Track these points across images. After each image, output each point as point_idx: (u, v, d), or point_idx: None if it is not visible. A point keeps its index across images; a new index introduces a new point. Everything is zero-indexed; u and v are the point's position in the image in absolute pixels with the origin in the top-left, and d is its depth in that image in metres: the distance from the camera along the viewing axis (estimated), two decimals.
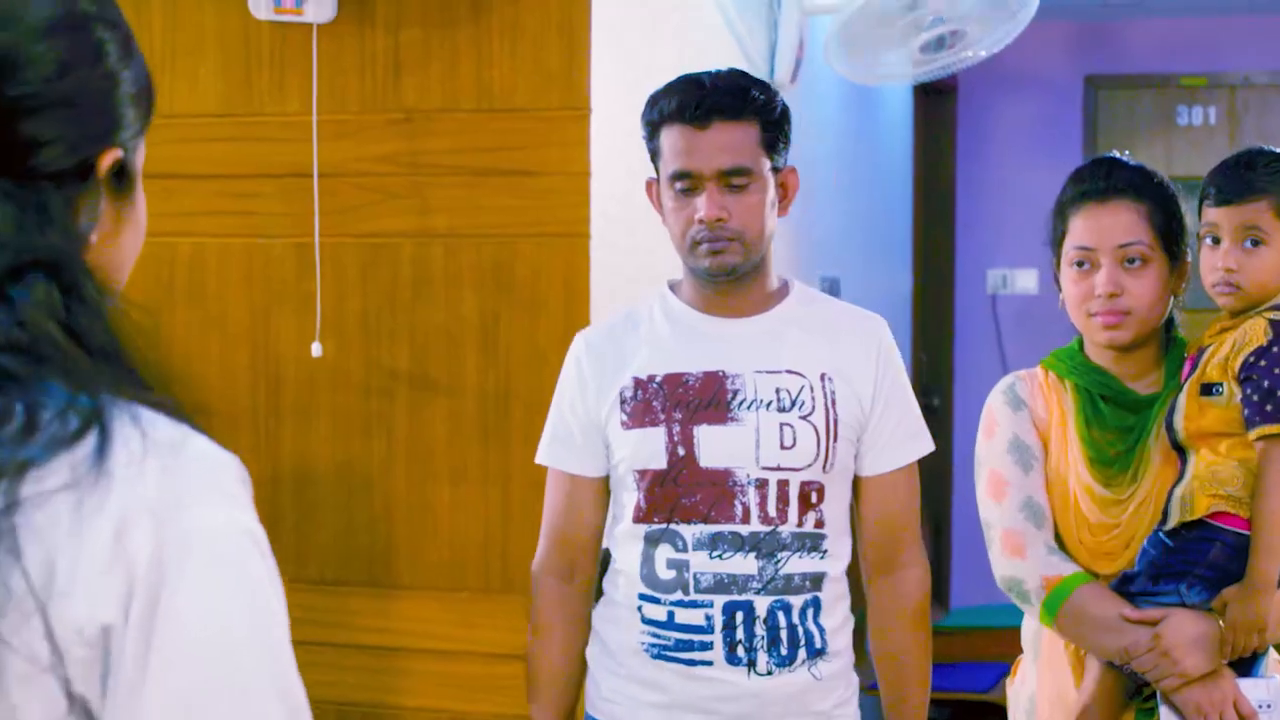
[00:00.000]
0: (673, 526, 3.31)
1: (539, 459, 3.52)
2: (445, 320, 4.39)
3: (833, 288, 6.79)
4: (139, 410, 1.45)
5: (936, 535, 9.10)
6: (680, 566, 3.31)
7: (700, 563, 3.29)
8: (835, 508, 3.36)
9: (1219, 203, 3.32)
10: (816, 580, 3.32)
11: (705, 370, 3.34)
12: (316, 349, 4.40)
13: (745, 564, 3.28)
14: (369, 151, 4.43)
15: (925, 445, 3.46)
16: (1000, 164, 9.57)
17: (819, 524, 3.32)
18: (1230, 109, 9.53)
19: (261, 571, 1.49)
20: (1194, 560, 3.24)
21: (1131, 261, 3.36)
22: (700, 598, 3.29)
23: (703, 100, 3.28)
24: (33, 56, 1.46)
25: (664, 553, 3.33)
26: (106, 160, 1.54)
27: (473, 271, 4.36)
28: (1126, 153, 3.56)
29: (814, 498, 3.31)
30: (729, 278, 3.34)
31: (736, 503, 3.28)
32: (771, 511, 3.29)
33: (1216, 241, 3.32)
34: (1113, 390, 3.44)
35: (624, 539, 3.40)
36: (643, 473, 3.33)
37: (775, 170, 3.35)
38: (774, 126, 3.33)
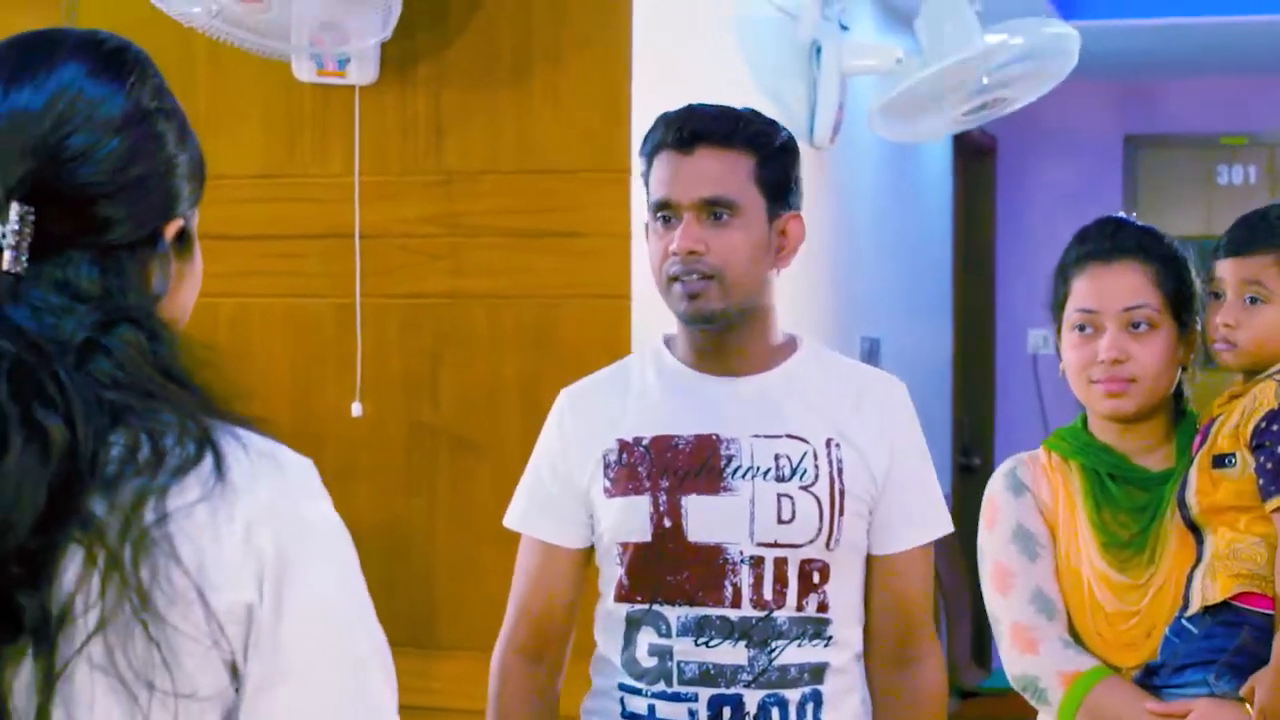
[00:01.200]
0: (656, 608, 2.97)
1: (509, 522, 3.21)
2: (486, 380, 4.40)
3: (873, 348, 6.79)
4: (230, 428, 1.75)
5: (974, 595, 9.05)
6: (663, 654, 2.95)
7: (684, 650, 2.94)
8: (843, 590, 3.00)
9: (1225, 254, 3.20)
10: (817, 672, 2.96)
11: (697, 433, 2.99)
12: (357, 409, 4.42)
13: (734, 653, 2.92)
14: (410, 213, 4.45)
15: (944, 524, 3.13)
16: (1040, 223, 9.56)
17: (822, 607, 2.97)
18: (1270, 168, 9.52)
19: (352, 555, 1.82)
20: (1221, 647, 3.01)
21: (1137, 326, 3.15)
22: (684, 689, 2.94)
23: (688, 123, 2.98)
24: (105, 151, 1.73)
25: (646, 637, 2.98)
26: (170, 229, 1.80)
27: (514, 332, 4.37)
28: (1134, 215, 3.37)
29: (816, 578, 2.96)
30: (711, 327, 2.98)
31: (726, 583, 2.93)
32: (766, 594, 2.93)
33: (1218, 297, 3.18)
34: (1122, 468, 3.21)
35: (606, 619, 3.07)
36: (625, 546, 2.99)
37: (773, 213, 3.00)
38: (772, 162, 3.00)
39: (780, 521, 2.95)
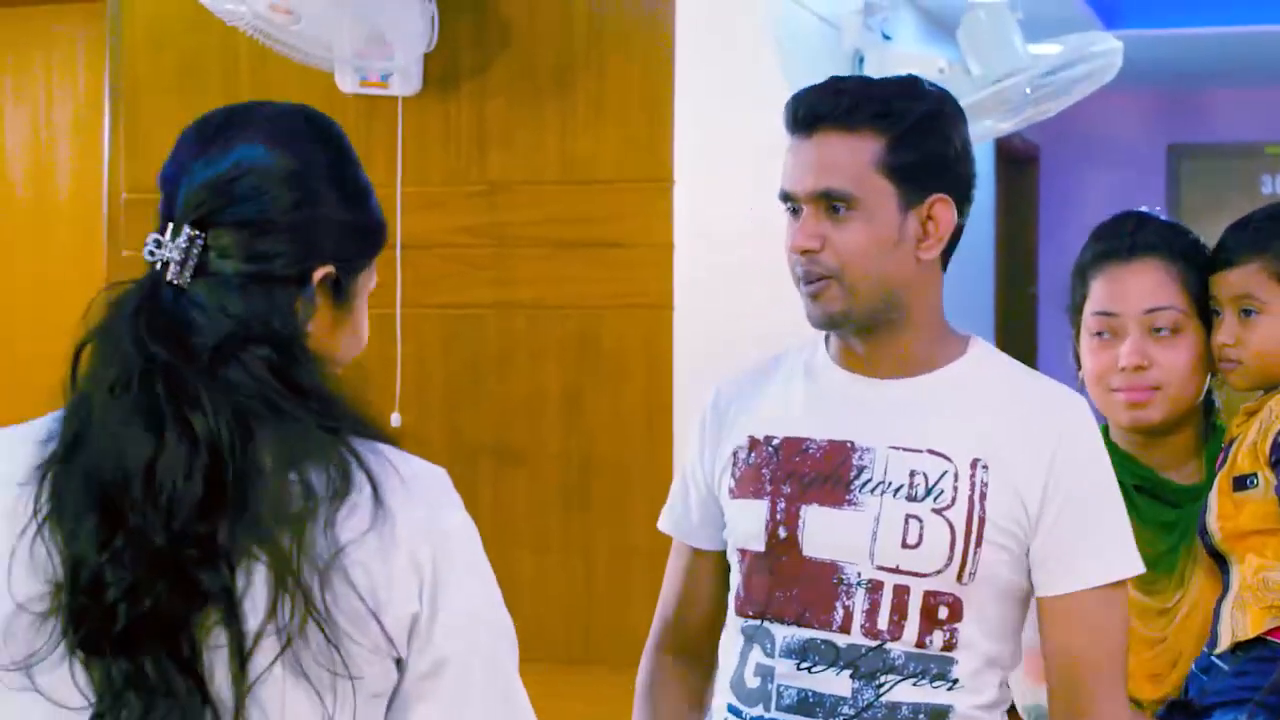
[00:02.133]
0: (765, 624, 2.68)
1: (659, 524, 2.97)
2: (528, 391, 4.40)
3: None
4: (370, 444, 2.02)
5: None
6: (766, 675, 2.67)
7: (786, 673, 2.65)
8: (981, 631, 2.63)
9: (1215, 269, 2.95)
10: (937, 716, 2.61)
11: (831, 439, 2.68)
12: (396, 419, 4.42)
13: (837, 683, 2.61)
14: (452, 223, 4.46)
15: (1121, 567, 2.65)
16: (1083, 233, 9.46)
17: (949, 646, 2.60)
18: None
19: (482, 554, 2.08)
20: (1255, 685, 2.72)
21: (1159, 330, 2.90)
22: (782, 716, 2.66)
23: (806, 103, 2.65)
24: (268, 196, 2.01)
25: (755, 655, 2.69)
26: (319, 273, 2.05)
27: (556, 342, 4.37)
28: (1159, 208, 3.14)
29: (942, 613, 2.60)
30: (840, 330, 2.69)
31: (838, 605, 2.62)
32: (880, 623, 2.60)
33: (1217, 315, 2.93)
34: (1149, 481, 2.95)
35: (727, 633, 2.80)
36: (743, 554, 2.73)
37: (910, 200, 2.64)
38: (906, 143, 2.62)
39: (905, 545, 2.61)
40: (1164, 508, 2.97)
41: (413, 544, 1.97)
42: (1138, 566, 2.65)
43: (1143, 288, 2.94)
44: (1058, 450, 2.61)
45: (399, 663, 1.96)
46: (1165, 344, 2.92)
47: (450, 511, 2.06)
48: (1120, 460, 2.88)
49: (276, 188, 2.03)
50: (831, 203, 2.60)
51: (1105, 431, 2.96)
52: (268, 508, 1.88)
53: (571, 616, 4.36)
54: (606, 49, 4.34)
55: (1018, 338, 9.37)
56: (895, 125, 2.61)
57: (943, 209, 2.65)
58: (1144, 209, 3.11)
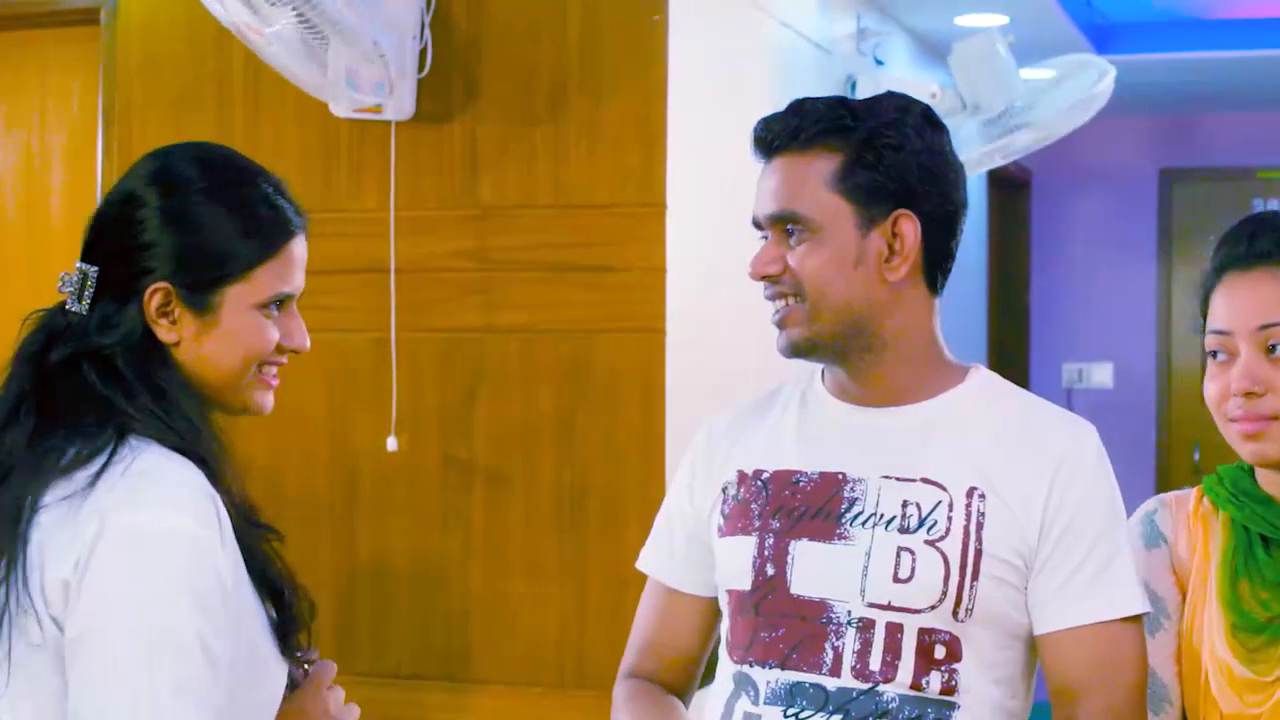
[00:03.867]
0: (750, 669, 2.52)
1: (638, 563, 2.82)
2: (521, 415, 4.40)
3: None
4: (143, 440, 2.19)
5: None
6: None
7: None
8: (983, 672, 2.46)
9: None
10: None
11: (822, 470, 2.54)
12: (392, 443, 4.42)
13: None
14: (446, 247, 4.46)
15: (1125, 603, 2.46)
16: (1075, 257, 9.56)
17: (948, 690, 2.43)
18: None
19: (176, 559, 2.12)
20: None
21: (1275, 349, 2.47)
22: None
23: (765, 127, 2.59)
24: (102, 227, 2.29)
25: (742, 705, 2.52)
26: (149, 294, 2.25)
27: (549, 367, 4.38)
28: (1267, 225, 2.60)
29: (939, 653, 2.43)
30: (810, 359, 2.58)
31: (827, 646, 2.45)
32: (873, 664, 2.43)
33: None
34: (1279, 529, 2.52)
35: (718, 680, 2.62)
36: (730, 594, 2.58)
37: (870, 218, 2.50)
38: (865, 159, 2.50)
39: (897, 579, 2.44)
40: None
41: (87, 520, 2.12)
42: (1137, 606, 2.46)
43: (1256, 301, 2.49)
44: (1057, 478, 2.47)
45: (56, 621, 2.12)
46: None
47: (148, 511, 2.14)
48: (1253, 504, 2.54)
49: (103, 221, 2.29)
50: (788, 225, 2.52)
51: (1250, 472, 2.58)
52: (19, 473, 2.19)
53: (564, 641, 4.36)
54: (600, 75, 4.34)
55: (1011, 362, 9.38)
56: (848, 141, 2.50)
57: (907, 225, 2.51)
58: (1274, 211, 2.63)
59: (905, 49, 6.77)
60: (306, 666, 2.41)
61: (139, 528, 2.12)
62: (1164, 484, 8.76)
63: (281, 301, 2.38)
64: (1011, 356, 9.41)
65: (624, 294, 4.31)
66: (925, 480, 2.49)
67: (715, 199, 4.54)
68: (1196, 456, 9.11)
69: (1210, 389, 2.55)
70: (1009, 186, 9.30)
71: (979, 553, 2.44)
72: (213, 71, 4.64)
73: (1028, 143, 5.64)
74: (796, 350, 2.55)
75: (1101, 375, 9.39)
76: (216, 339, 2.31)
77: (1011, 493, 2.46)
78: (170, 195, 2.28)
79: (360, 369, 4.53)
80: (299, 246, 2.40)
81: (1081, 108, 5.52)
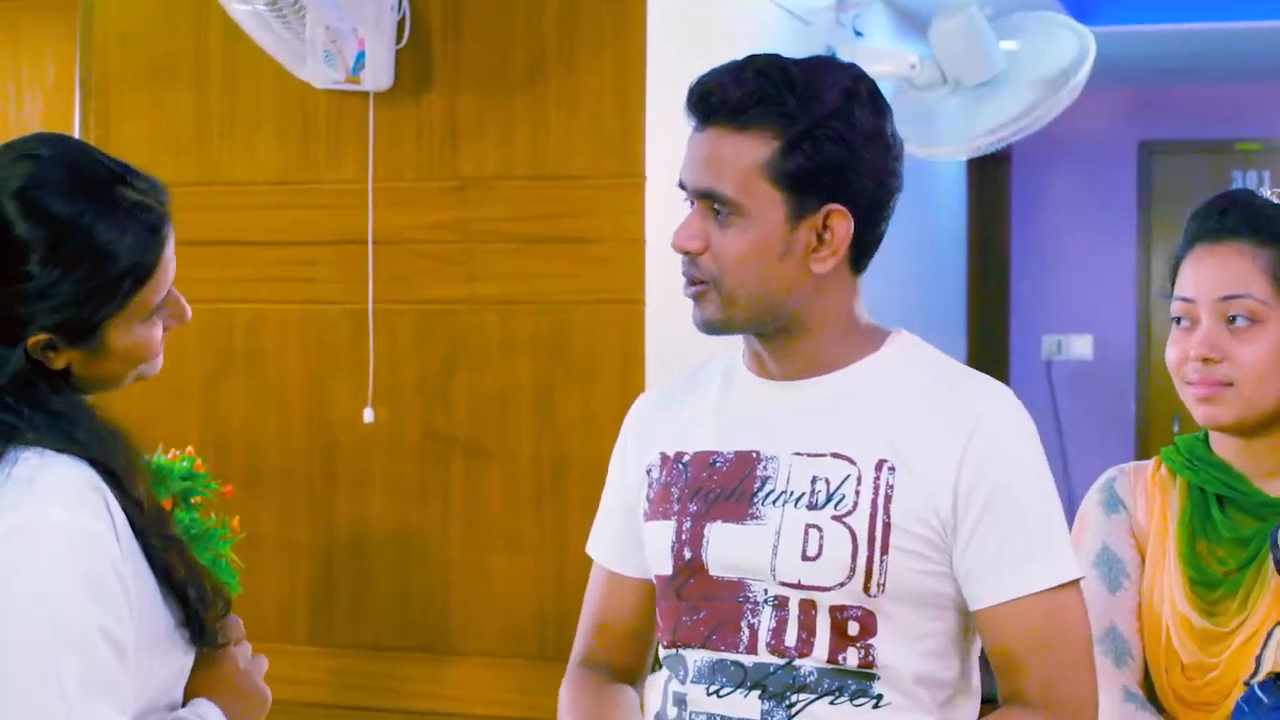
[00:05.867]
0: (679, 651, 2.49)
1: (587, 547, 2.80)
2: (500, 387, 4.40)
3: None
4: (36, 450, 2.14)
5: None
6: (680, 704, 2.49)
7: (697, 700, 2.45)
8: (904, 647, 2.41)
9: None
10: None
11: (737, 450, 2.48)
12: (369, 414, 4.42)
13: (745, 705, 2.42)
14: (424, 219, 4.45)
15: (1059, 571, 2.40)
16: (1054, 230, 9.56)
17: (866, 664, 2.38)
18: None
19: (66, 552, 2.08)
20: None
21: (1235, 319, 2.60)
22: None
23: (704, 89, 2.43)
24: None
25: (673, 686, 2.51)
26: (32, 343, 2.19)
27: (527, 338, 4.37)
28: (1268, 189, 2.74)
29: (853, 629, 2.38)
30: (718, 334, 2.49)
31: (743, 624, 2.43)
32: (788, 639, 2.40)
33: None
34: (1235, 490, 2.65)
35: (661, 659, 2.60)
36: (656, 579, 2.55)
37: (801, 210, 2.39)
38: (800, 148, 2.37)
39: (805, 558, 2.39)
40: (1246, 520, 2.65)
41: None
42: (1070, 572, 2.40)
43: (1221, 273, 2.62)
44: (970, 445, 2.38)
45: None
46: (1241, 336, 2.60)
47: (32, 509, 2.11)
48: (1207, 468, 2.68)
49: None
50: (714, 204, 2.40)
51: (1206, 434, 2.72)
52: None
53: (544, 613, 4.36)
54: (578, 45, 4.34)
55: (990, 335, 9.40)
56: (788, 128, 2.36)
57: (839, 221, 2.40)
58: (1249, 189, 2.77)
59: (884, 20, 6.76)
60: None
61: (21, 525, 2.10)
62: (1143, 454, 8.76)
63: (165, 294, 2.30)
64: (991, 329, 9.42)
65: (603, 266, 4.30)
66: (835, 455, 2.42)
67: None
68: (1176, 427, 9.12)
69: (1171, 353, 2.68)
70: (988, 159, 9.29)
71: (887, 526, 2.37)
72: (190, 42, 4.62)
73: (1012, 131, 5.64)
74: (710, 329, 2.47)
75: (1081, 347, 9.40)
76: (105, 361, 2.27)
77: (921, 463, 2.38)
78: (55, 247, 2.18)
79: (338, 341, 4.53)
80: (170, 243, 2.27)
81: (1063, 80, 5.51)
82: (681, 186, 2.46)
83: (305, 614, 4.55)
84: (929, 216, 8.11)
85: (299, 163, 4.55)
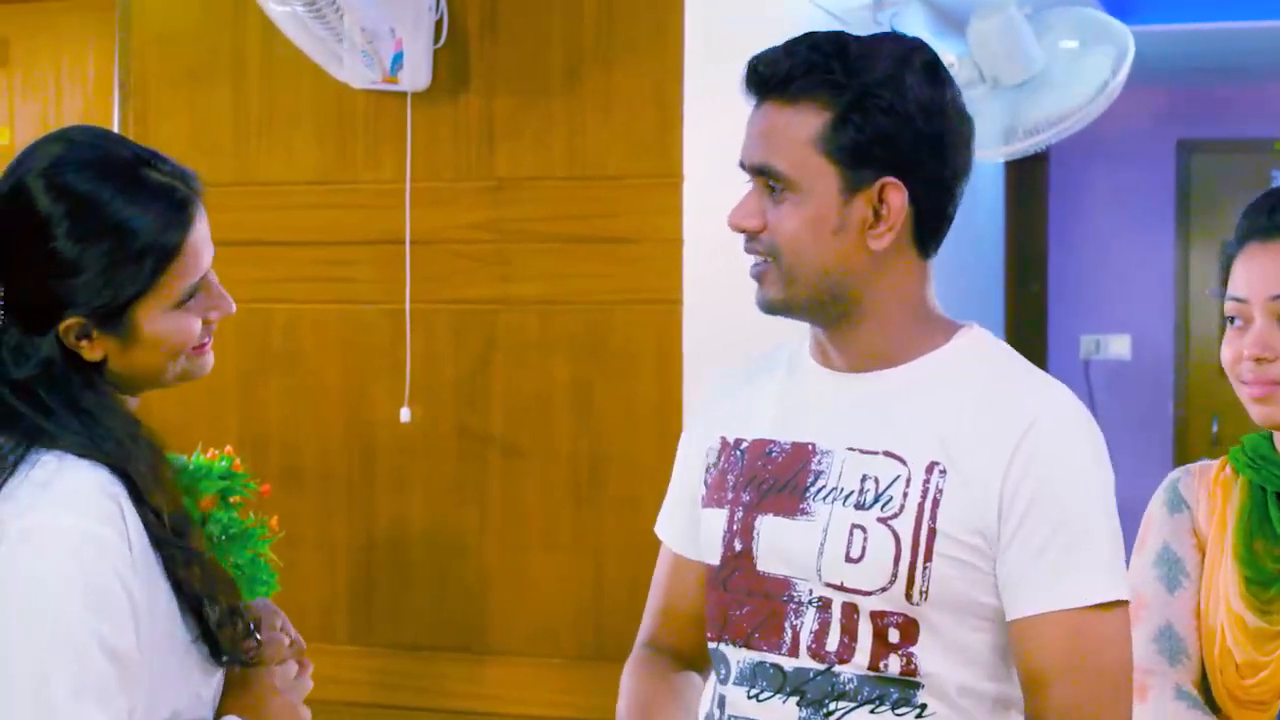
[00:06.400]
0: (722, 647, 2.44)
1: (655, 527, 2.73)
2: (538, 387, 4.40)
3: None
4: (55, 453, 2.15)
5: None
6: (720, 705, 2.44)
7: (736, 702, 2.40)
8: (952, 658, 2.32)
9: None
10: None
11: (795, 440, 2.41)
12: (405, 414, 4.43)
13: (783, 711, 2.35)
14: (461, 219, 4.46)
15: (1101, 588, 2.27)
16: (1092, 229, 9.54)
17: (908, 671, 2.30)
18: None
19: (68, 558, 2.08)
20: None
21: None
22: None
23: (757, 66, 2.39)
24: (3, 245, 2.21)
25: (716, 684, 2.46)
26: (64, 328, 2.21)
27: (565, 338, 4.37)
28: None
29: (893, 636, 2.30)
30: (787, 317, 2.43)
31: (786, 625, 2.36)
32: (830, 644, 2.32)
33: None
34: None
35: None
36: (707, 567, 2.49)
37: (855, 183, 2.32)
38: (853, 118, 2.31)
39: (849, 559, 2.31)
40: None
41: None
42: (1113, 592, 2.28)
43: (1274, 272, 2.58)
44: (1020, 447, 2.28)
45: None
46: None
47: (42, 513, 2.13)
48: (1269, 466, 2.64)
49: (15, 243, 2.22)
50: (769, 180, 2.35)
51: (1270, 439, 2.68)
52: None
53: (581, 612, 4.36)
54: (616, 45, 4.33)
55: (1028, 334, 9.37)
56: (839, 98, 2.30)
57: (894, 195, 2.33)
58: None
59: (922, 19, 6.74)
60: (257, 639, 2.38)
61: (31, 529, 2.11)
62: (1181, 455, 8.75)
63: (199, 281, 2.30)
64: (1029, 328, 9.39)
65: (640, 265, 4.30)
66: (887, 453, 2.34)
67: (731, 170, 4.50)
68: (1215, 428, 9.09)
69: (1226, 353, 2.63)
70: (1025, 158, 9.27)
71: (933, 532, 2.27)
72: (228, 42, 4.63)
73: (1052, 133, 5.62)
74: (771, 309, 2.41)
75: (1119, 347, 9.37)
76: (140, 349, 2.27)
77: (971, 466, 2.29)
78: (77, 222, 2.20)
79: (375, 341, 4.53)
80: (200, 226, 2.28)
81: (1102, 81, 5.50)
82: (742, 166, 2.41)
83: (344, 613, 4.56)
84: (966, 215, 8.08)
85: (336, 163, 4.56)
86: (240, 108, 4.62)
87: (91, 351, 2.23)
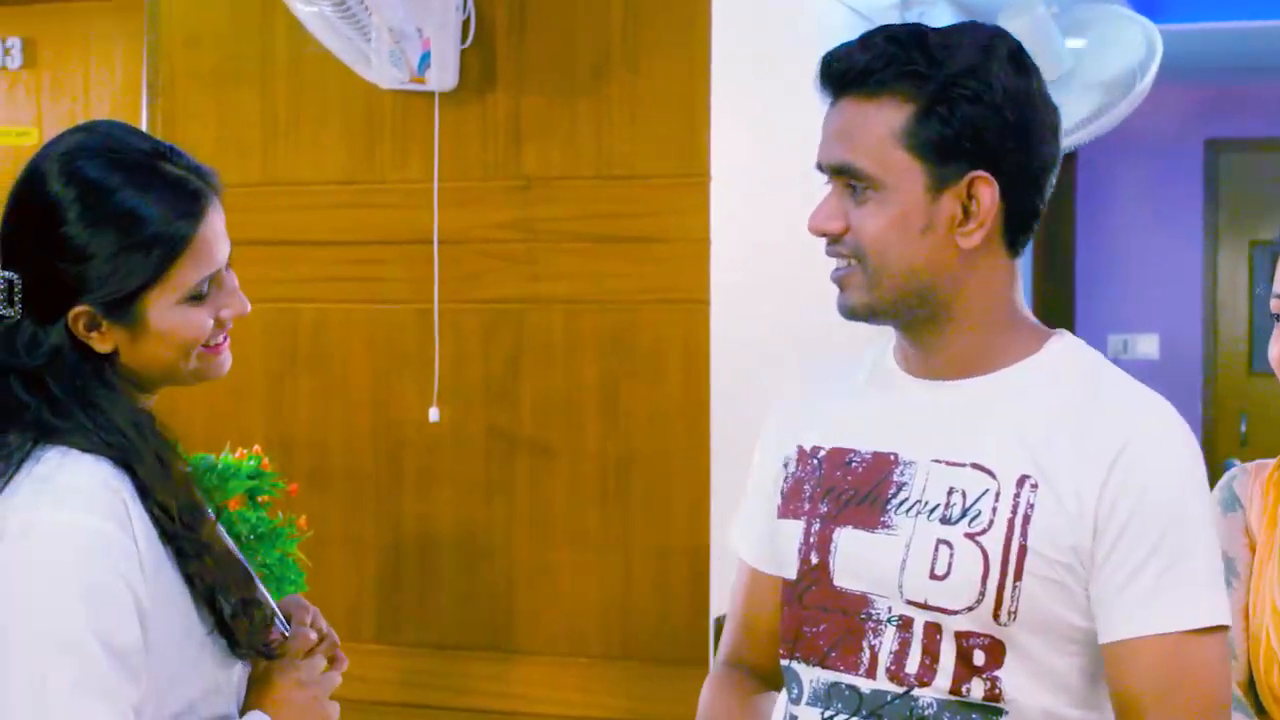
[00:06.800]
0: (794, 665, 2.31)
1: (731, 538, 2.58)
2: (565, 386, 4.40)
3: None
4: (58, 448, 2.14)
5: None
6: None
7: None
8: (1040, 682, 2.19)
9: None
10: None
11: (876, 450, 2.29)
12: (434, 414, 4.43)
13: None
14: (490, 218, 4.46)
15: (1191, 613, 2.14)
16: (1120, 228, 9.51)
17: (992, 696, 2.17)
18: None
19: (68, 554, 2.08)
20: None
21: None
22: None
23: (834, 60, 2.24)
24: (18, 235, 2.21)
25: (787, 704, 2.34)
26: (72, 317, 2.19)
27: (593, 337, 4.37)
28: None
29: (979, 658, 2.17)
30: (870, 322, 2.29)
31: (864, 645, 2.23)
32: (909, 665, 2.20)
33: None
34: None
35: None
36: (782, 581, 2.35)
37: (942, 179, 2.19)
38: (938, 110, 2.18)
39: (933, 576, 2.19)
40: None
41: None
42: (1217, 617, 2.15)
43: None
44: (1118, 462, 2.15)
45: None
46: None
47: (44, 510, 2.13)
48: None
49: (30, 232, 2.21)
50: (850, 179, 2.20)
51: None
52: None
53: (608, 612, 4.36)
54: (643, 45, 4.33)
55: (1057, 329, 9.34)
56: (922, 90, 2.17)
57: (984, 189, 2.19)
58: None
59: (949, 18, 6.73)
60: (285, 634, 2.37)
61: (32, 524, 2.10)
62: (1210, 456, 8.69)
63: (212, 277, 2.27)
64: (1057, 327, 9.36)
65: (668, 265, 4.30)
66: (975, 466, 2.20)
67: (758, 169, 4.52)
68: (1243, 428, 9.07)
69: (1273, 349, 2.53)
70: None
71: (1023, 549, 2.15)
72: (256, 43, 4.64)
73: (1081, 135, 5.60)
74: (853, 314, 2.26)
75: (1147, 346, 9.34)
76: (150, 342, 2.25)
77: (1064, 482, 2.16)
78: (86, 207, 2.20)
79: (404, 340, 4.54)
80: (213, 221, 2.25)
81: (1130, 81, 5.48)
82: (819, 168, 2.26)
83: (371, 612, 4.56)
84: None
85: (364, 163, 4.56)
86: (268, 108, 4.63)
87: (102, 343, 2.21)
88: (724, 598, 4.22)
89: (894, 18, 5.61)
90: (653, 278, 4.31)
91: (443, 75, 4.37)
